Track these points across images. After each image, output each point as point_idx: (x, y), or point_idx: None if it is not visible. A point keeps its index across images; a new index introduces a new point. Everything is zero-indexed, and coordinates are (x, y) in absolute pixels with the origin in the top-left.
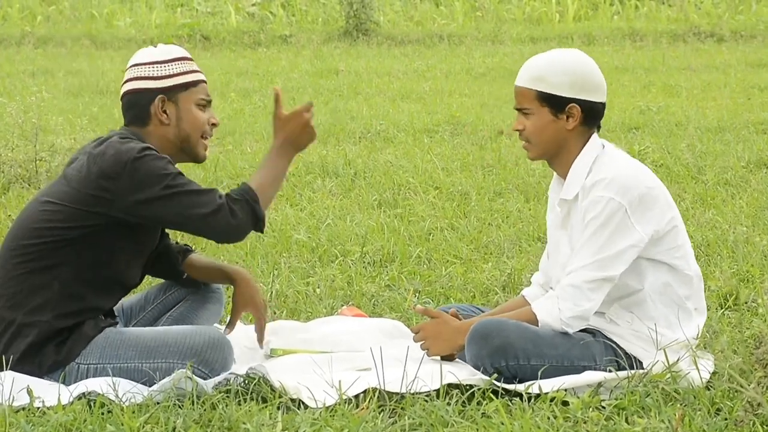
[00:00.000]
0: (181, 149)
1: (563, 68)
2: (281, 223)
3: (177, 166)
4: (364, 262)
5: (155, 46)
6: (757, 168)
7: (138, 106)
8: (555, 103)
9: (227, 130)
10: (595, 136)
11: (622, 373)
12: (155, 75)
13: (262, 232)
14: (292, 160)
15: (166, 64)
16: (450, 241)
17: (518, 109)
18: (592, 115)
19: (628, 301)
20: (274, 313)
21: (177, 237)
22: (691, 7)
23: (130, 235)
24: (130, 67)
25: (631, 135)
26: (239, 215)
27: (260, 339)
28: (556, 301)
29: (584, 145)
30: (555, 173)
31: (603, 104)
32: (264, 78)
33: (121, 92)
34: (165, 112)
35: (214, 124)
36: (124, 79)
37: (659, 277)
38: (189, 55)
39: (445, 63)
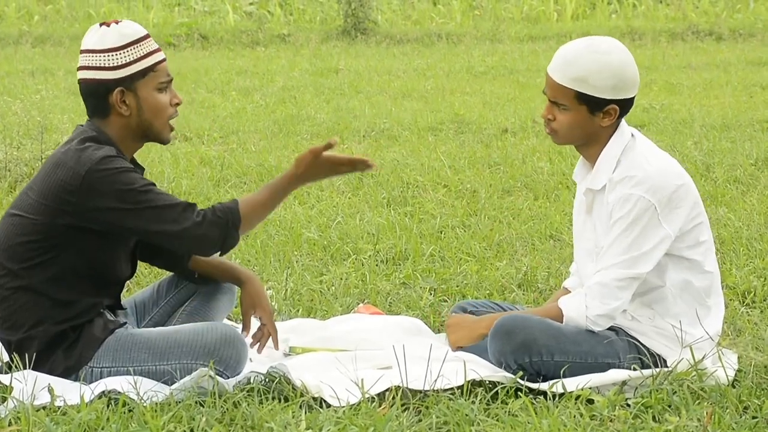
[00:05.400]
0: (145, 135)
1: (608, 72)
2: (291, 221)
3: (179, 160)
4: (377, 260)
5: (108, 25)
6: (765, 165)
7: (96, 96)
8: (594, 104)
9: (231, 128)
10: (623, 124)
11: (647, 372)
12: (110, 65)
13: (224, 253)
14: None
15: (120, 52)
16: (462, 239)
17: (552, 101)
18: (626, 110)
19: (649, 298)
20: (290, 311)
21: None
22: (689, 6)
23: (105, 235)
24: (84, 52)
25: None
26: (209, 236)
27: (275, 341)
28: (583, 298)
29: (613, 134)
30: (581, 157)
31: (634, 99)
32: (264, 77)
33: (77, 78)
34: (125, 102)
35: (177, 104)
36: (78, 65)
37: (680, 274)
38: (144, 33)
39: (444, 62)
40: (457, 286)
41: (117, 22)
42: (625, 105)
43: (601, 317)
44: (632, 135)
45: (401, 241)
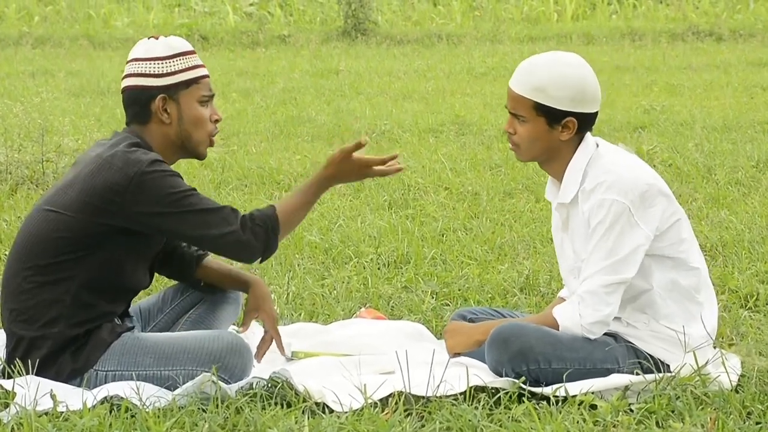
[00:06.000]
0: (183, 147)
1: (566, 82)
2: None
3: (180, 161)
4: (378, 264)
5: (156, 38)
6: (767, 167)
7: (138, 103)
8: (552, 116)
9: (231, 130)
10: (588, 135)
11: (650, 376)
12: (156, 72)
13: (264, 260)
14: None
15: (167, 61)
16: (464, 242)
17: (512, 113)
18: (586, 124)
19: (640, 303)
20: (292, 315)
21: None
22: (689, 6)
23: (134, 241)
24: (130, 61)
25: (638, 135)
26: (251, 242)
27: (279, 345)
28: (576, 307)
29: (577, 148)
30: (549, 176)
31: (597, 113)
32: (264, 78)
33: (122, 86)
34: (166, 111)
35: (217, 120)
36: (124, 74)
37: (665, 274)
38: (191, 48)
39: (445, 63)
40: (459, 290)
41: (166, 36)
42: (584, 120)
43: (596, 324)
44: (597, 145)
45: (403, 245)
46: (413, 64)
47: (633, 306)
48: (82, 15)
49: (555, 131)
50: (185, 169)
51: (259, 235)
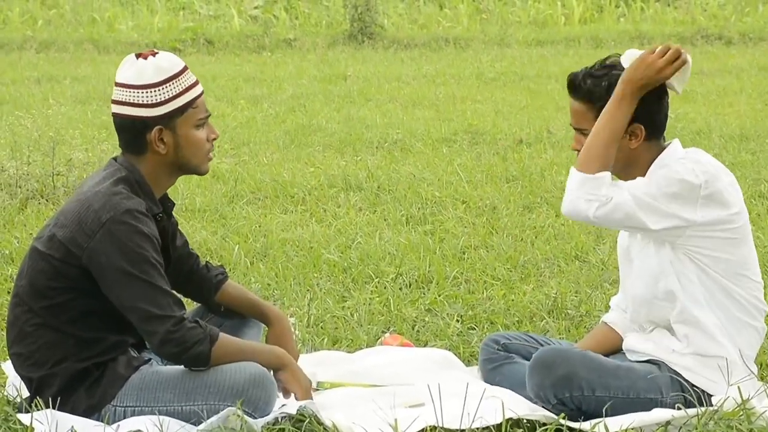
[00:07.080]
0: (181, 169)
1: None
2: (310, 240)
3: (191, 178)
4: (400, 284)
5: (145, 58)
6: None
7: (132, 133)
8: None
9: (241, 140)
10: (676, 142)
11: (692, 411)
12: (149, 102)
13: (187, 366)
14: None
15: (159, 88)
16: (486, 261)
17: (577, 129)
18: (655, 129)
19: (692, 328)
20: (315, 341)
21: (208, 256)
22: (697, 9)
23: None
24: (120, 85)
25: None
26: (184, 338)
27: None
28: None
29: (659, 154)
30: None
31: (666, 115)
32: (272, 84)
33: (112, 111)
34: (162, 140)
35: (214, 139)
36: (114, 98)
37: (722, 302)
38: (182, 66)
39: (453, 67)
40: (485, 313)
41: (154, 54)
42: (652, 124)
43: (575, 206)
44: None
45: (424, 263)
46: (421, 69)
47: (683, 330)
48: (86, 18)
49: (623, 140)
50: (197, 181)
51: (195, 335)
